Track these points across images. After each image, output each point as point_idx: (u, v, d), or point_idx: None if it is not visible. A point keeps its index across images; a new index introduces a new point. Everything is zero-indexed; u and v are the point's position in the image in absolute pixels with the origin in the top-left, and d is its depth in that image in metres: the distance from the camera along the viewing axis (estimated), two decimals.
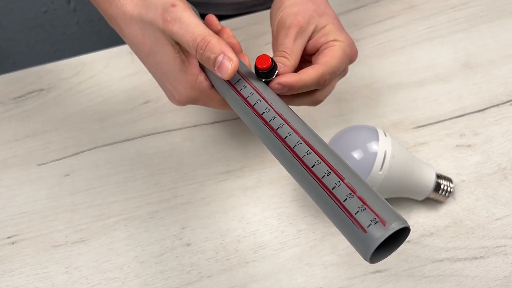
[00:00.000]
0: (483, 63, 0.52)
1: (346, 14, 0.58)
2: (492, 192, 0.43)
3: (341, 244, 0.41)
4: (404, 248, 0.40)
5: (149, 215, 0.43)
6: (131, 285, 0.39)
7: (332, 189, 0.25)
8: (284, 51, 0.36)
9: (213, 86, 0.35)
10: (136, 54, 0.36)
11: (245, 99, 0.31)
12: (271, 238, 0.41)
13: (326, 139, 0.42)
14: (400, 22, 0.56)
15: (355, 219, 0.24)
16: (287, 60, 0.35)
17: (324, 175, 0.25)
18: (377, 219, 0.23)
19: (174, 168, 0.45)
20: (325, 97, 0.37)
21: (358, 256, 0.40)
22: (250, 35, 0.56)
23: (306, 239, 0.41)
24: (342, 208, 0.24)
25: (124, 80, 0.52)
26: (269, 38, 0.56)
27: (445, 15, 0.56)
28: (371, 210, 0.23)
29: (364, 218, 0.23)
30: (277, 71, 0.33)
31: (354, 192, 0.24)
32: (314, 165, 0.26)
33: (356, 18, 0.58)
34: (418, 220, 0.42)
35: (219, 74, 0.31)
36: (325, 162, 0.26)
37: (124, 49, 0.54)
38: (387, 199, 0.34)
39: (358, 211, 0.24)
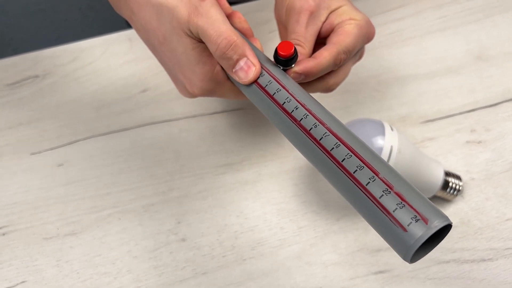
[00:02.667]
0: (497, 55, 0.50)
1: (355, 3, 0.56)
2: (503, 191, 0.41)
3: (343, 242, 0.39)
4: None
5: (144, 208, 0.41)
6: (123, 281, 0.38)
7: (366, 184, 0.23)
8: (297, 39, 0.33)
9: (228, 77, 0.33)
10: (147, 41, 0.34)
11: (263, 89, 0.29)
12: (270, 235, 0.40)
13: None
14: (411, 11, 0.54)
15: (393, 217, 0.22)
16: (301, 49, 0.33)
17: (356, 170, 0.24)
18: (418, 217, 0.21)
19: (170, 160, 0.44)
20: (338, 85, 0.35)
21: (360, 256, 0.38)
22: (254, 22, 0.54)
23: (306, 236, 0.40)
24: (378, 205, 0.22)
25: (121, 68, 0.50)
26: (273, 25, 0.54)
27: (458, 4, 0.54)
28: (411, 207, 0.22)
29: (403, 216, 0.22)
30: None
31: (390, 188, 0.22)
32: (344, 159, 0.24)
33: (366, 7, 0.55)
34: None
35: (235, 77, 0.30)
36: (356, 156, 0.24)
37: (122, 35, 0.52)
38: None
39: (396, 208, 0.22)
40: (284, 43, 0.30)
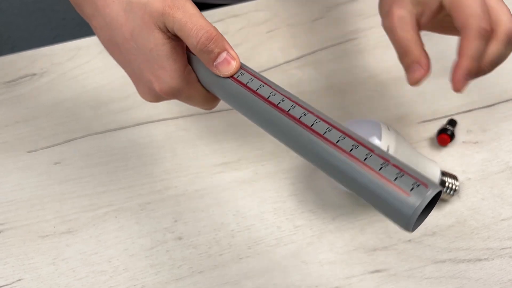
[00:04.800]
0: None
1: (352, 3, 0.56)
2: (498, 191, 0.41)
3: (339, 242, 0.39)
4: (405, 247, 0.39)
5: (141, 206, 0.41)
6: (119, 279, 0.38)
7: (364, 160, 0.24)
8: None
9: (198, 80, 0.33)
10: (109, 40, 0.33)
11: (245, 85, 0.29)
12: (267, 234, 0.40)
13: None
14: None
15: (395, 185, 0.23)
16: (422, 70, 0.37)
17: (352, 148, 0.25)
18: (418, 183, 0.23)
19: (167, 159, 0.44)
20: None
21: (356, 255, 0.38)
22: (252, 22, 0.54)
23: (303, 235, 0.40)
24: (379, 176, 0.24)
25: (119, 66, 0.50)
26: (271, 25, 0.54)
27: None
28: (410, 175, 0.23)
29: (404, 183, 0.23)
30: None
31: (388, 161, 0.24)
32: (338, 140, 0.25)
33: (363, 7, 0.56)
34: None
35: (216, 71, 0.30)
36: (349, 137, 0.25)
37: None
38: None
39: (396, 177, 0.23)
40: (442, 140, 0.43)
